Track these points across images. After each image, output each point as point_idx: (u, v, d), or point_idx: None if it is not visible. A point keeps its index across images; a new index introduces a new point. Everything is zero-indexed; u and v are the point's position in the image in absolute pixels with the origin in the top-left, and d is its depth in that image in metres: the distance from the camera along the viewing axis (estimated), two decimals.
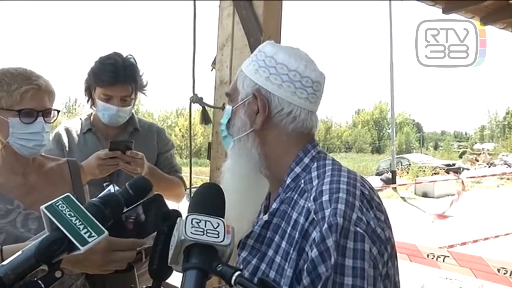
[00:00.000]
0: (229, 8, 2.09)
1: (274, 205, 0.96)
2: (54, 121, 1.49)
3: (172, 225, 0.81)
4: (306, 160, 0.97)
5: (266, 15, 1.96)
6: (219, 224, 0.76)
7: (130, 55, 2.01)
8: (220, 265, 0.72)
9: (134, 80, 1.97)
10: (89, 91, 1.99)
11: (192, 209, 0.80)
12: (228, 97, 1.07)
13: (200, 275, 0.72)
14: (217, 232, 0.75)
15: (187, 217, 0.77)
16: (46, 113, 1.42)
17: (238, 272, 0.70)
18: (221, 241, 0.75)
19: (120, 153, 1.80)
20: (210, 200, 0.84)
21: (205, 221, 0.76)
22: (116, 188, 1.04)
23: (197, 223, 0.75)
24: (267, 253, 0.92)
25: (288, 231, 0.89)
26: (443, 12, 3.83)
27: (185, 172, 2.28)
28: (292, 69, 0.97)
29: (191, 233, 0.74)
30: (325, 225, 0.80)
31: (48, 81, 1.46)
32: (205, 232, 0.75)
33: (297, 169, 0.97)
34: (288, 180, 0.96)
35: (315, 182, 0.91)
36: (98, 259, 1.06)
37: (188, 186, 2.23)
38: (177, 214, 0.95)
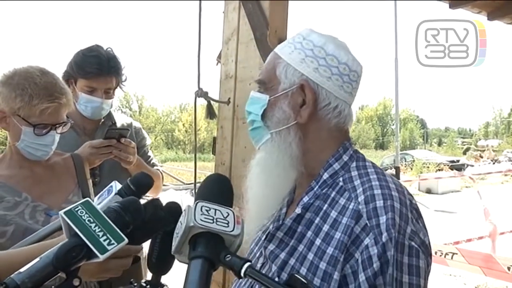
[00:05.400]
0: (235, 2, 2.07)
1: (306, 199, 0.92)
2: (66, 131, 1.49)
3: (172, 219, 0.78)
4: (345, 157, 0.94)
5: (272, 9, 1.94)
6: (228, 214, 0.73)
7: (110, 48, 2.02)
8: (229, 256, 0.68)
9: (118, 73, 1.99)
10: (67, 85, 1.88)
11: (200, 198, 0.75)
12: (261, 85, 0.98)
13: (207, 265, 0.68)
14: (227, 222, 0.71)
15: (196, 204, 0.72)
16: (59, 124, 1.43)
17: (248, 263, 0.67)
18: (231, 231, 0.71)
19: (115, 141, 1.83)
20: (218, 190, 0.80)
21: (215, 209, 0.72)
22: (119, 184, 1.01)
23: (207, 211, 0.72)
24: (298, 248, 0.87)
25: (325, 229, 0.85)
26: (449, 7, 3.78)
27: (189, 167, 2.29)
28: (343, 62, 0.93)
29: (201, 220, 0.70)
30: (383, 238, 0.77)
31: (69, 92, 1.46)
32: (214, 221, 0.71)
33: (336, 166, 0.92)
34: (325, 176, 0.92)
35: (356, 183, 0.88)
36: (93, 267, 0.99)
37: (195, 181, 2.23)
38: (177, 207, 0.89)
